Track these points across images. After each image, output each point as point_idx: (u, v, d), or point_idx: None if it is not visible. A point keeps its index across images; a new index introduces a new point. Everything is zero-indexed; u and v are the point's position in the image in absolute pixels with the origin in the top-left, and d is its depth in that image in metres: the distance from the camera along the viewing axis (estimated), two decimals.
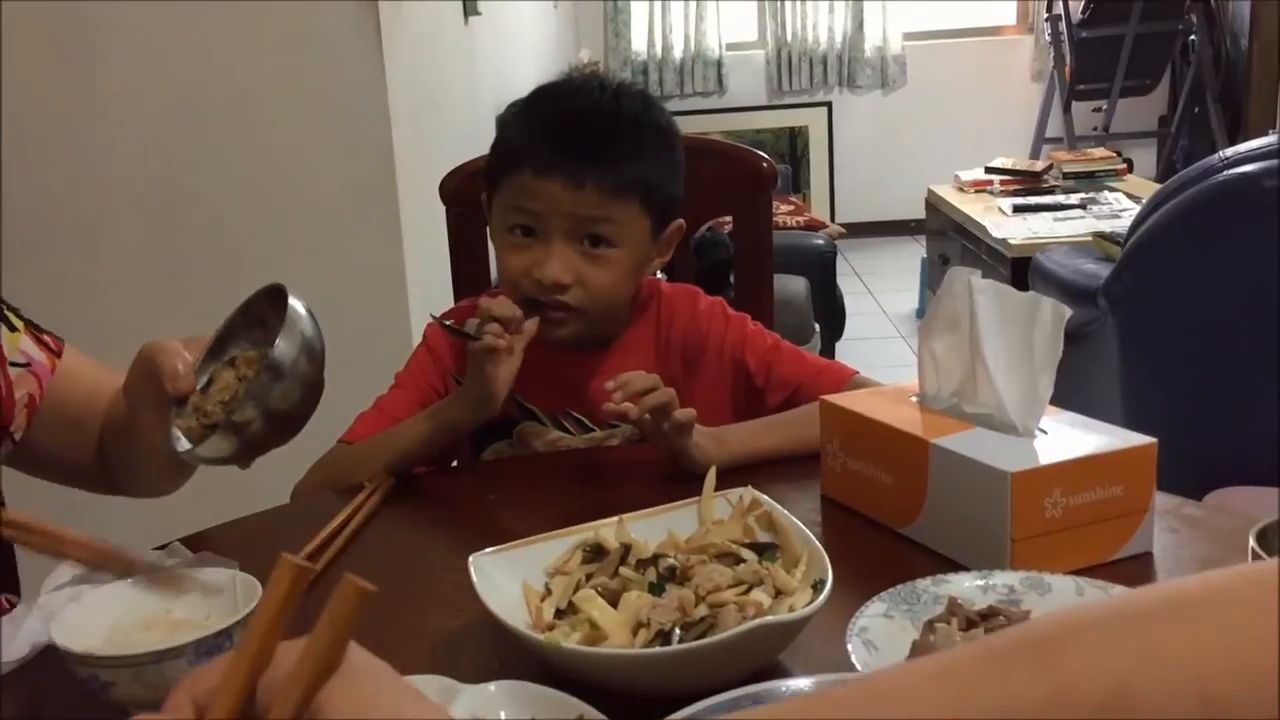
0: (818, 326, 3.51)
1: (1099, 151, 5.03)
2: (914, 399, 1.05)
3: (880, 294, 5.40)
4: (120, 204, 2.37)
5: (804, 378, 1.27)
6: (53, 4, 2.27)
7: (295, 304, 0.97)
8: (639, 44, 6.66)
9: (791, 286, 3.32)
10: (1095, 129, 6.21)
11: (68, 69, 2.31)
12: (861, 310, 4.96)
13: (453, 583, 0.94)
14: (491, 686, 0.72)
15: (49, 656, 0.86)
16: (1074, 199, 4.34)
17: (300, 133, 2.36)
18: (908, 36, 6.64)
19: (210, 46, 2.31)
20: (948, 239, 4.60)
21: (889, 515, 1.00)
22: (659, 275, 1.44)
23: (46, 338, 1.15)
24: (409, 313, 2.41)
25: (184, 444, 0.95)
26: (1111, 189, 4.52)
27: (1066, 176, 4.73)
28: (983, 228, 4.05)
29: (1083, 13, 5.97)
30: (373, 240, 2.40)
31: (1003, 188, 4.67)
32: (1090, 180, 4.68)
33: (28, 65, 2.28)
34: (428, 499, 1.21)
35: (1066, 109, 6.12)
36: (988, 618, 0.79)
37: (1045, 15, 6.25)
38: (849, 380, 1.25)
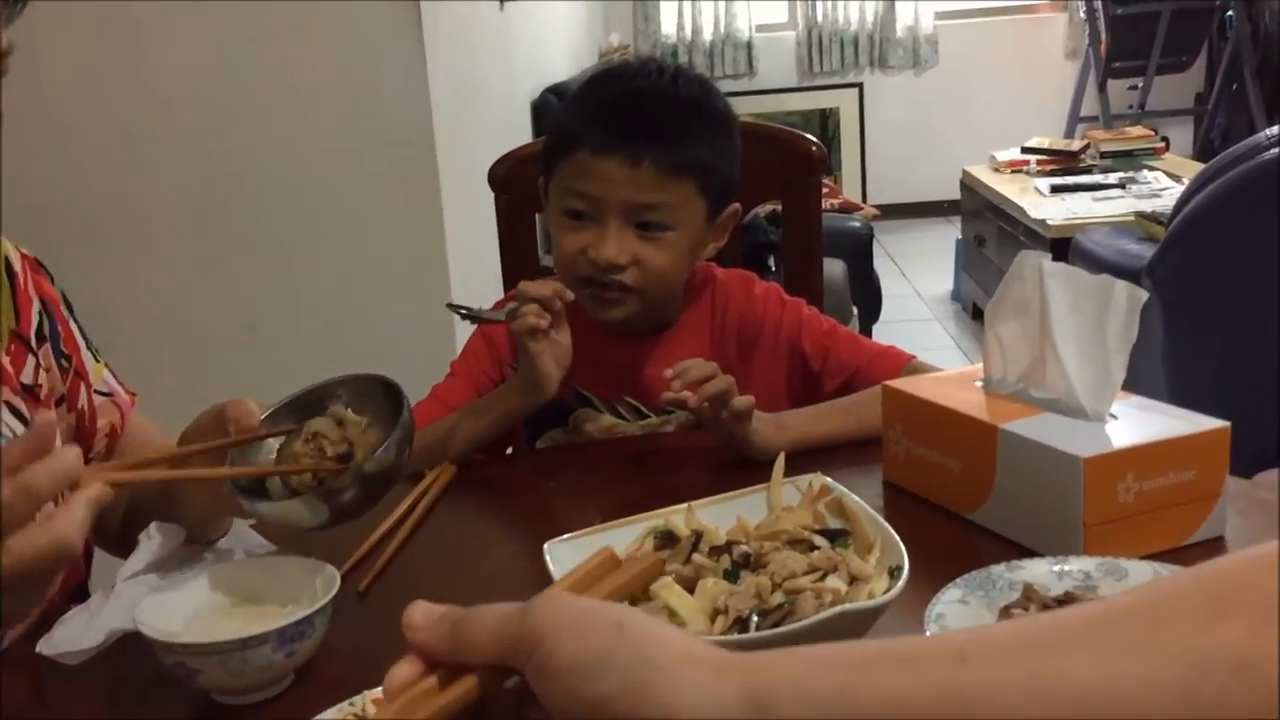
0: (855, 310, 3.49)
1: (1136, 130, 4.97)
2: (978, 384, 1.05)
3: (915, 276, 5.38)
4: (165, 198, 2.39)
5: (861, 362, 1.26)
6: (100, 5, 2.28)
7: (406, 413, 0.89)
8: (668, 27, 6.64)
9: (829, 270, 3.29)
10: (1131, 107, 6.14)
11: (113, 66, 2.33)
12: (897, 293, 4.93)
13: (521, 569, 0.95)
14: None
15: (127, 643, 0.88)
16: (1112, 178, 4.29)
17: (343, 123, 2.37)
18: (940, 16, 6.59)
19: (253, 40, 2.32)
20: (983, 220, 4.56)
21: (955, 501, 1.00)
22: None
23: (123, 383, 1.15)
24: (450, 297, 2.42)
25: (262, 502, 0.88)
26: (1150, 168, 4.47)
27: (1104, 156, 4.67)
28: (1020, 209, 4.02)
29: None
30: (416, 229, 2.41)
31: (1039, 168, 4.63)
32: (1128, 159, 4.63)
33: (74, 62, 2.30)
34: (488, 487, 1.21)
35: (1102, 87, 6.05)
36: (1064, 603, 0.79)
37: None
38: (906, 365, 1.25)
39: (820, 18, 6.59)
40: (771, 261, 3.17)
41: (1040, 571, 0.83)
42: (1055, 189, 4.22)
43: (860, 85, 6.62)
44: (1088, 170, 4.56)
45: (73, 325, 1.11)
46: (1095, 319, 0.94)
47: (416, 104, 2.37)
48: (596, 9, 6.14)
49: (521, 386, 1.21)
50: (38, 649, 0.87)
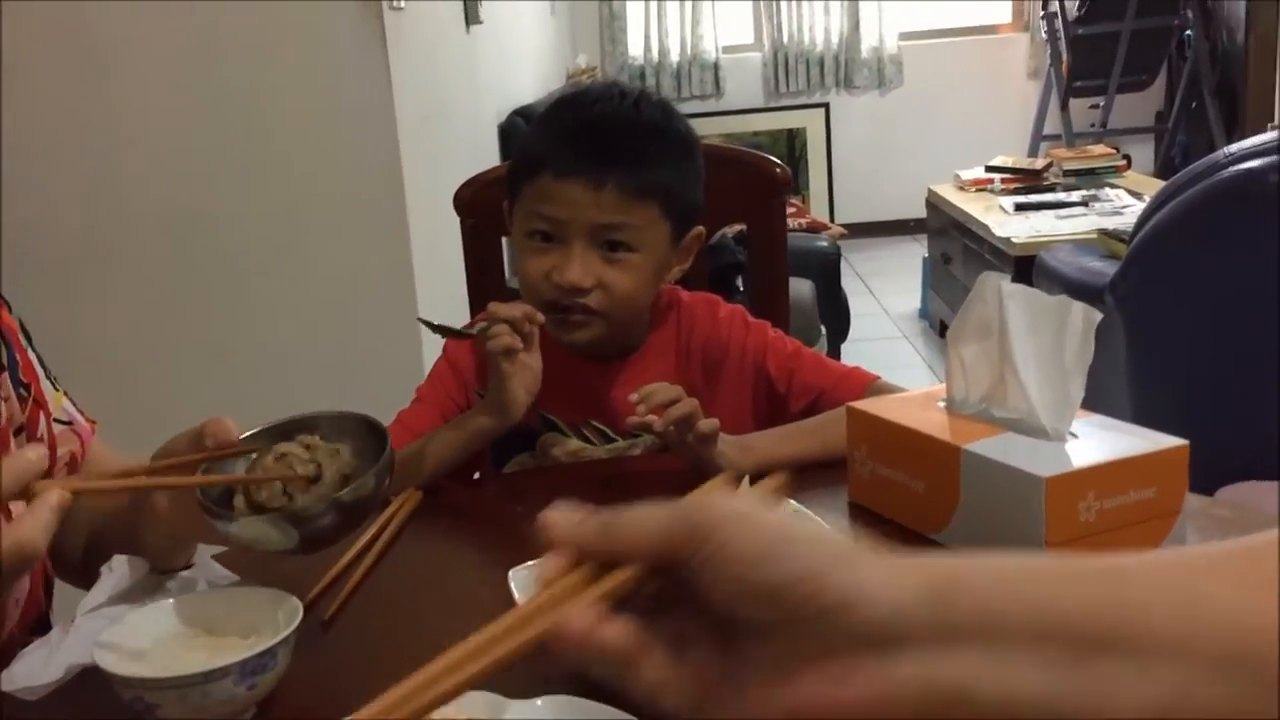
0: (823, 329, 3.51)
1: (1098, 148, 5.04)
2: (941, 404, 1.06)
3: (882, 294, 5.41)
4: (128, 214, 2.37)
5: (826, 384, 1.27)
6: (59, 16, 2.27)
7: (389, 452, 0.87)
8: (635, 48, 6.67)
9: (797, 290, 3.31)
10: (1093, 125, 6.22)
11: (77, 91, 2.32)
12: (865, 311, 4.96)
13: (487, 595, 0.95)
14: (539, 701, 0.72)
15: (88, 678, 0.86)
16: (1075, 196, 4.34)
17: (309, 145, 2.36)
18: (904, 36, 6.66)
19: (217, 56, 2.32)
20: (949, 238, 4.60)
21: (920, 521, 1.01)
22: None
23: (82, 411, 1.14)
24: (418, 312, 2.41)
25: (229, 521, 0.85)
26: (1113, 185, 4.52)
27: (1067, 174, 4.73)
28: (985, 226, 4.06)
29: (1079, 10, 5.99)
30: (383, 251, 2.41)
31: (1003, 186, 4.67)
32: (1091, 177, 4.68)
33: (34, 75, 2.29)
34: (454, 512, 1.21)
35: (1064, 106, 6.13)
36: None
37: (1041, 13, 6.27)
38: (871, 385, 1.26)
39: (786, 39, 6.64)
40: (740, 282, 3.18)
41: None
42: (1019, 207, 4.27)
43: (826, 105, 6.67)
44: (1051, 188, 4.61)
45: (31, 354, 1.10)
46: (1053, 339, 0.95)
47: (383, 126, 2.37)
48: (564, 31, 6.16)
49: (490, 408, 1.21)
50: None
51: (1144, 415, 2.77)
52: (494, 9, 3.73)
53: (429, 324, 1.19)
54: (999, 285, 0.97)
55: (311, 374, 2.35)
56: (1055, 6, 6.05)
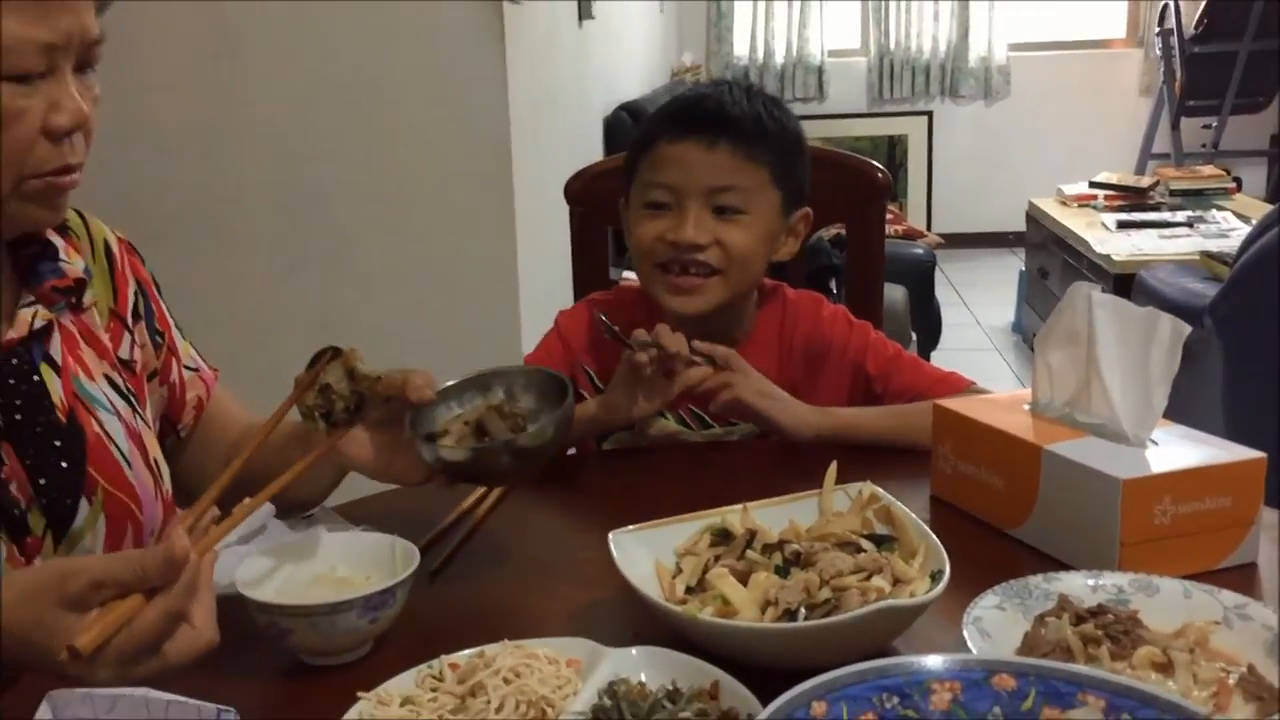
0: (915, 336, 3.53)
1: (1208, 169, 4.95)
2: (1026, 407, 1.10)
3: (976, 305, 5.38)
4: (250, 197, 2.49)
5: (923, 386, 1.31)
6: (198, 9, 2.40)
7: (570, 399, 1.02)
8: (741, 48, 6.71)
9: (890, 295, 3.34)
10: (1204, 146, 6.09)
11: (208, 71, 2.44)
12: (957, 321, 4.94)
13: (584, 559, 1.01)
14: (634, 651, 0.78)
15: (221, 606, 0.95)
16: (1180, 217, 4.28)
17: (424, 130, 2.46)
18: (1013, 47, 6.59)
19: (344, 46, 2.42)
20: (1048, 253, 4.57)
21: (999, 517, 1.05)
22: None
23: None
24: (518, 302, 2.50)
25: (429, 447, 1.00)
26: (1220, 208, 4.45)
27: (1173, 194, 4.66)
28: (1085, 243, 4.03)
29: (1196, 27, 5.87)
30: (489, 234, 2.50)
31: (1107, 203, 4.62)
32: (1198, 198, 4.61)
33: (172, 56, 2.42)
34: (555, 482, 1.27)
35: (1175, 125, 6.02)
36: (1097, 614, 0.84)
37: (1157, 29, 6.15)
38: (966, 390, 1.29)
39: (893, 44, 6.62)
40: (834, 285, 3.22)
41: (1076, 584, 0.88)
42: (1121, 225, 4.22)
43: (930, 113, 6.64)
44: (1156, 208, 4.55)
45: (163, 305, 1.19)
46: (1140, 349, 0.99)
47: (496, 114, 2.45)
48: (671, 29, 6.23)
49: (605, 404, 1.28)
50: None
51: (1239, 436, 2.75)
52: (606, 6, 3.81)
53: (606, 324, 1.27)
54: (1089, 294, 1.01)
55: (413, 348, 2.43)
56: (1172, 23, 5.94)
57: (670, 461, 1.32)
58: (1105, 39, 6.75)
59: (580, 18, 3.46)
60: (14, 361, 0.98)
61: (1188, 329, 0.98)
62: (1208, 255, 3.35)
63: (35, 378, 0.99)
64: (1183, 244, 3.86)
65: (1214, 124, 6.11)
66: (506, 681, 0.74)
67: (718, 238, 1.27)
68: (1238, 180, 5.29)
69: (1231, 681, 0.76)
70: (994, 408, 1.11)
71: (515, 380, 1.07)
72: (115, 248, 1.13)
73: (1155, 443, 1.00)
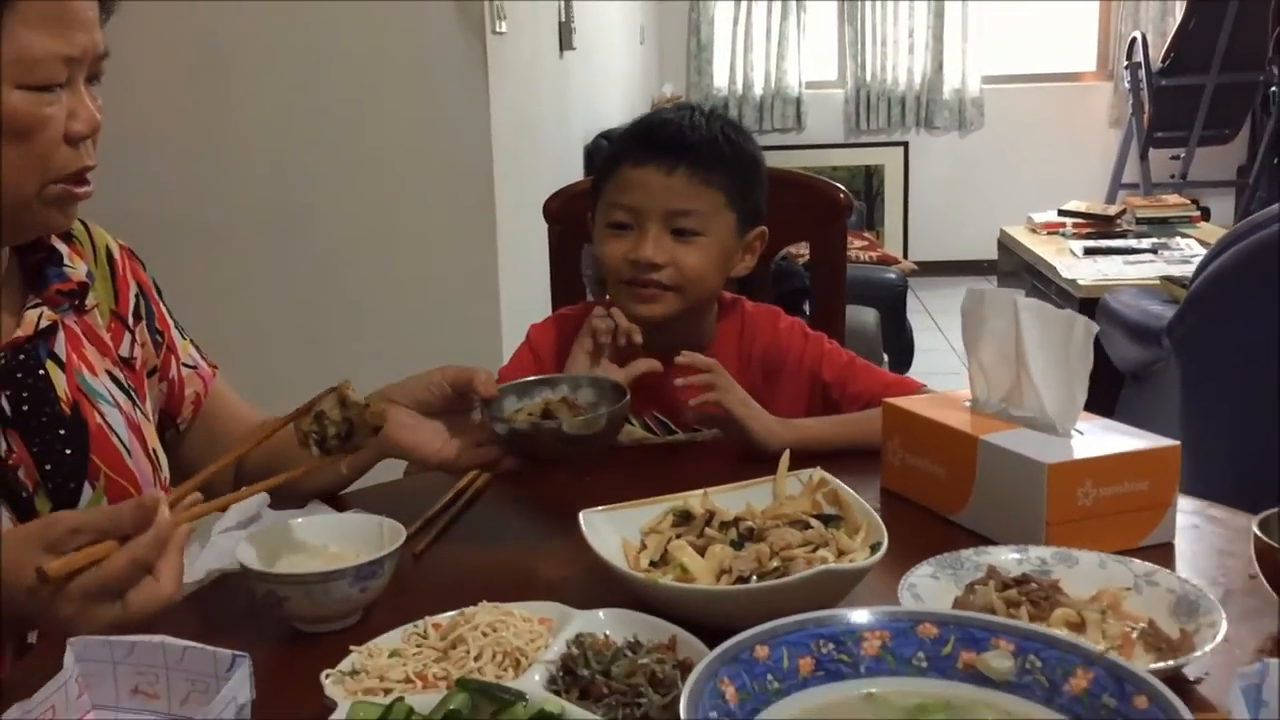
0: (886, 357, 3.62)
1: (1173, 198, 5.08)
2: (967, 404, 1.19)
3: (950, 331, 5.49)
4: (238, 208, 2.58)
5: (877, 390, 1.39)
6: (185, 22, 2.49)
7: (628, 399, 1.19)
8: (721, 79, 6.85)
9: (862, 317, 3.44)
10: (1173, 176, 6.24)
11: (200, 89, 2.53)
12: (932, 346, 5.05)
13: (559, 541, 1.10)
14: (600, 613, 0.87)
15: (222, 582, 1.03)
16: (1145, 244, 4.40)
17: (409, 149, 2.55)
18: (986, 80, 6.74)
19: (332, 71, 2.52)
20: (1019, 279, 4.68)
21: (941, 504, 1.14)
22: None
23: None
24: (500, 316, 2.59)
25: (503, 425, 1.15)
26: (1185, 235, 4.57)
27: (1140, 221, 4.78)
28: (1053, 268, 4.14)
29: (1163, 61, 6.04)
30: (470, 251, 2.59)
31: (1075, 230, 4.74)
32: (1163, 226, 4.73)
33: (159, 75, 2.51)
34: (531, 479, 1.35)
35: (1143, 156, 6.17)
36: (1021, 583, 0.92)
37: (1125, 63, 6.31)
38: (918, 392, 1.38)
39: (869, 77, 6.76)
40: (807, 307, 3.31)
41: (1003, 557, 0.97)
42: (1089, 251, 4.34)
43: (906, 144, 6.78)
44: (1123, 235, 4.67)
45: (163, 307, 1.28)
46: (1061, 348, 1.08)
47: (479, 140, 2.55)
48: (652, 60, 6.36)
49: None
50: None
51: (1197, 454, 2.84)
52: (587, 37, 3.92)
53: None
54: (1014, 299, 1.10)
55: (397, 360, 2.51)
56: (1139, 57, 6.10)
57: (637, 459, 1.41)
58: (1076, 72, 6.92)
59: (561, 48, 3.57)
60: (21, 357, 1.06)
61: (1097, 328, 1.07)
62: (1168, 279, 3.46)
63: (41, 372, 1.07)
64: (1146, 269, 3.97)
65: (1182, 155, 6.27)
66: (485, 635, 0.82)
67: (674, 258, 1.37)
68: (1206, 210, 5.41)
69: (1134, 636, 0.85)
70: (937, 405, 1.20)
71: (579, 382, 1.24)
72: (117, 254, 1.22)
73: (1081, 433, 1.09)
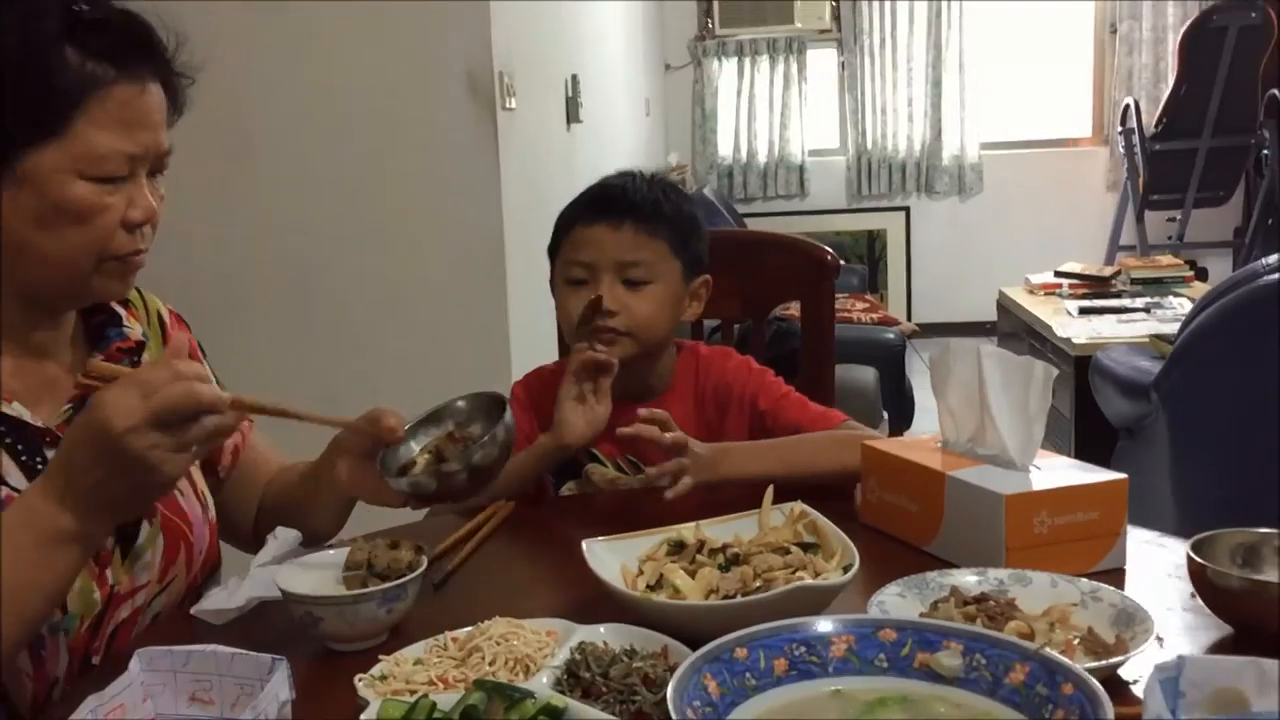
0: (886, 414, 3.73)
1: (1167, 259, 5.21)
2: (938, 445, 1.30)
3: None
4: (262, 273, 2.71)
5: (805, 420, 1.53)
6: (218, 105, 2.64)
7: (508, 413, 1.23)
8: (725, 148, 7.03)
9: (861, 376, 3.56)
10: (1171, 238, 6.37)
11: (230, 168, 2.68)
12: (933, 405, 5.13)
13: (563, 569, 1.20)
14: (600, 627, 0.97)
15: (259, 610, 1.14)
16: (1139, 303, 4.51)
17: (424, 219, 2.70)
18: (985, 146, 6.91)
19: (350, 147, 2.67)
20: (1018, 340, 4.79)
21: (914, 535, 1.24)
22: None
23: None
24: (511, 378, 2.70)
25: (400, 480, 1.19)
26: (1178, 294, 4.69)
27: (1134, 282, 4.90)
28: (1049, 327, 4.25)
29: (1156, 126, 6.20)
30: (482, 318, 2.72)
31: (1071, 291, 4.86)
32: (1158, 286, 4.85)
33: (197, 159, 2.65)
34: (531, 521, 1.46)
35: (1139, 218, 6.31)
36: (980, 601, 1.03)
37: (1119, 128, 6.48)
38: (842, 423, 1.52)
39: (870, 144, 6.94)
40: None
41: (965, 579, 1.07)
42: (1084, 311, 4.45)
43: (907, 208, 6.94)
44: (1118, 295, 4.79)
45: (206, 365, 1.39)
46: (1021, 391, 1.19)
47: (490, 209, 2.70)
48: (658, 130, 6.55)
49: (553, 432, 1.49)
50: (191, 612, 1.14)
51: (1186, 501, 2.93)
52: (593, 110, 4.09)
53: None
54: (978, 348, 1.22)
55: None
56: (1133, 123, 6.26)
57: (617, 503, 1.53)
58: (1072, 138, 7.09)
59: (569, 121, 3.73)
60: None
61: (1055, 371, 1.18)
62: (1156, 337, 3.57)
63: None
64: (1139, 327, 4.08)
65: (1179, 217, 6.40)
66: (498, 644, 0.93)
67: (626, 305, 1.51)
68: (1204, 270, 5.53)
69: (1075, 642, 0.95)
70: (911, 447, 1.31)
71: (456, 408, 1.27)
72: (166, 317, 1.35)
73: (1039, 468, 1.20)
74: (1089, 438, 3.95)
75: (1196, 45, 6.05)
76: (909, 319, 6.24)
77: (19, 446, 1.10)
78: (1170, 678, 0.82)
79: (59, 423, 1.14)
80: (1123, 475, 1.17)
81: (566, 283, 1.56)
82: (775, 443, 1.49)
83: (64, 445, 1.00)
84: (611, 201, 1.53)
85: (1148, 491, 3.27)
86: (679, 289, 1.57)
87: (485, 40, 2.66)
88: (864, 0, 6.79)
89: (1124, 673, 0.94)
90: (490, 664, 0.91)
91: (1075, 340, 3.99)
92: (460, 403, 1.27)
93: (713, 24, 6.96)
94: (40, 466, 1.10)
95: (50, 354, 1.18)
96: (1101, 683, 0.79)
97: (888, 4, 6.79)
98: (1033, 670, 0.82)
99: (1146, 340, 3.66)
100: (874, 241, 6.93)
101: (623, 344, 1.52)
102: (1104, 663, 0.91)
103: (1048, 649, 0.85)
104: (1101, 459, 1.97)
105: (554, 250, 1.59)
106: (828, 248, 1.84)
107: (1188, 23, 6.20)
